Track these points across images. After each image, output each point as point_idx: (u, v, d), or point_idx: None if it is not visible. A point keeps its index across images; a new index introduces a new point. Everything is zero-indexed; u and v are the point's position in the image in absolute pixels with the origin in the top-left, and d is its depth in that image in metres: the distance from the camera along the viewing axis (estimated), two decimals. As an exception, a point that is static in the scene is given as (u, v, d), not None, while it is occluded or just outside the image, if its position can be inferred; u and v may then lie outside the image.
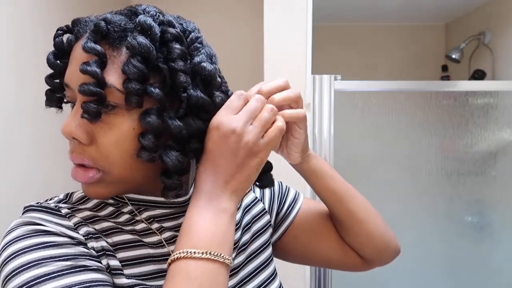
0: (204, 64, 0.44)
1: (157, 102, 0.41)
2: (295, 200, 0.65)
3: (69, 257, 0.40)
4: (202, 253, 0.39)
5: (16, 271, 0.38)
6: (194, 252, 0.39)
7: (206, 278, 0.39)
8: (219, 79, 0.47)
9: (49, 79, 0.47)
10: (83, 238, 0.43)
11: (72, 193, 0.51)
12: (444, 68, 2.19)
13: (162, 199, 0.50)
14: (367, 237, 0.61)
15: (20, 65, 1.03)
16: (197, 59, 0.44)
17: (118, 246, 0.46)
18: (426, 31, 2.31)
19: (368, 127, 1.51)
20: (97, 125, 0.42)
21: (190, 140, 0.44)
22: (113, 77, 0.40)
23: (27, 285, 0.37)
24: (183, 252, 0.39)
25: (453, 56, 1.92)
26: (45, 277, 0.38)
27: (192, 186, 0.54)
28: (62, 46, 0.45)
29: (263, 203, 0.63)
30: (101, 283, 0.40)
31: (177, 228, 0.51)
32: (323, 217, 0.64)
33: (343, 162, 1.30)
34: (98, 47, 0.40)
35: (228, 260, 0.41)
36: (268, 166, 0.51)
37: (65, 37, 0.46)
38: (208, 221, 0.42)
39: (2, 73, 0.98)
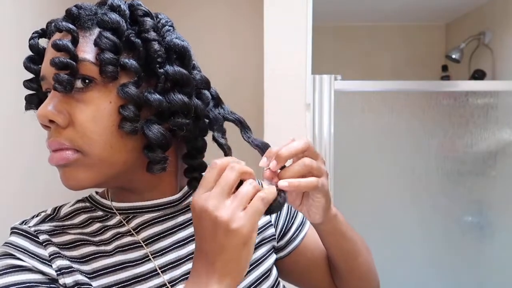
0: (176, 40, 0.45)
1: (133, 75, 0.42)
2: (302, 225, 0.64)
3: None
4: None
5: None
6: None
7: None
8: (194, 62, 0.49)
9: (27, 83, 0.48)
10: (55, 274, 0.43)
11: (60, 207, 0.51)
12: (444, 68, 2.19)
13: (150, 202, 0.50)
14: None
15: (21, 66, 1.03)
16: (168, 38, 0.45)
17: (99, 272, 0.46)
18: (426, 31, 2.31)
19: (368, 127, 1.51)
20: (73, 105, 0.42)
21: (173, 115, 0.44)
22: (86, 53, 0.41)
23: None
24: None
25: (453, 56, 1.92)
26: None
27: (180, 187, 0.54)
28: (38, 48, 0.46)
29: (270, 216, 0.62)
30: None
31: (165, 233, 0.50)
32: (323, 249, 0.64)
33: (343, 162, 1.30)
34: (70, 24, 0.41)
35: None
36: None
37: (41, 40, 0.47)
38: None
39: (3, 74, 0.98)
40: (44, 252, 0.44)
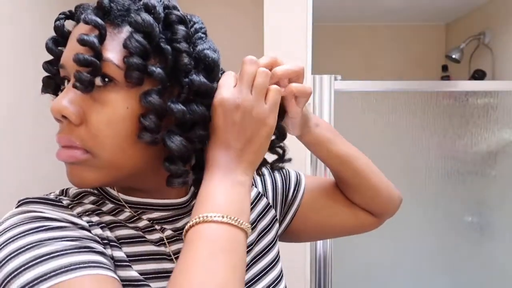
0: (207, 51, 0.43)
1: (158, 83, 0.40)
2: (298, 183, 0.65)
3: (73, 238, 0.37)
4: (222, 217, 0.38)
5: (15, 253, 0.34)
6: (213, 216, 0.38)
7: (226, 241, 0.37)
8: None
9: (46, 65, 0.45)
10: (87, 225, 0.41)
11: (67, 189, 0.49)
12: (444, 68, 2.19)
13: (160, 201, 0.49)
14: (374, 191, 0.62)
15: (21, 64, 1.03)
16: (200, 47, 0.43)
17: (121, 241, 0.44)
18: (426, 31, 2.31)
19: (368, 127, 1.51)
20: (89, 103, 0.39)
21: (194, 126, 0.43)
22: (112, 53, 0.39)
23: (28, 265, 0.34)
24: (201, 217, 0.38)
25: (453, 56, 1.92)
26: (48, 256, 0.34)
27: (191, 187, 0.53)
28: (62, 30, 0.43)
29: (267, 197, 0.61)
30: (107, 266, 0.37)
31: (177, 231, 0.49)
32: (327, 189, 0.65)
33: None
34: (99, 19, 0.38)
35: (247, 227, 0.40)
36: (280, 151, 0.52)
37: (67, 23, 0.44)
38: (225, 191, 0.41)
39: (2, 73, 0.98)
40: (71, 212, 0.42)
